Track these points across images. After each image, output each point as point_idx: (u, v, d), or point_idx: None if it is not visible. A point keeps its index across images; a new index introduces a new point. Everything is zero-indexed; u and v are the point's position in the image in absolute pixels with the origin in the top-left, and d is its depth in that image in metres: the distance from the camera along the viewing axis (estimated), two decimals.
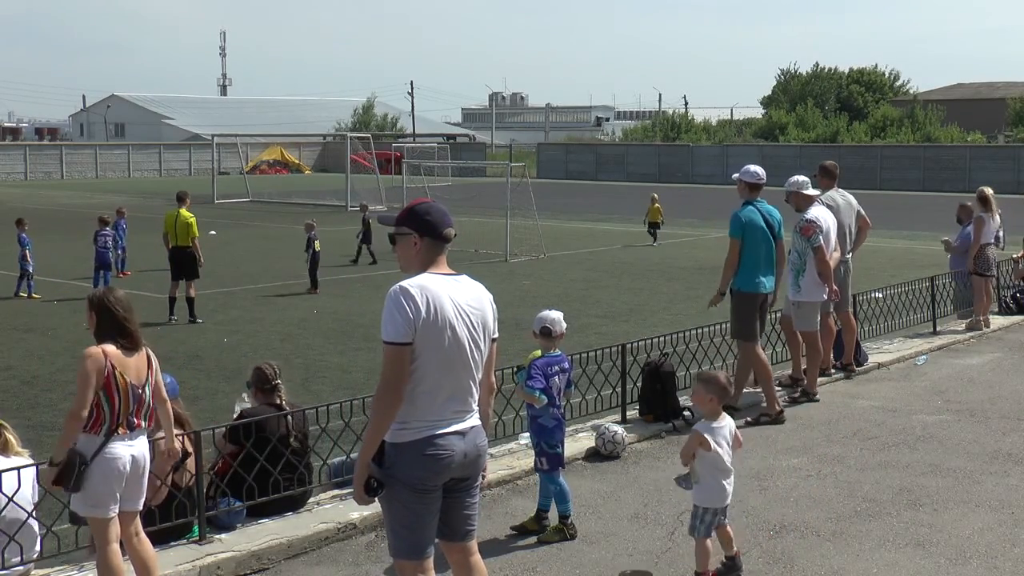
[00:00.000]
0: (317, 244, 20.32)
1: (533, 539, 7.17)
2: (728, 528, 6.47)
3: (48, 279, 20.94)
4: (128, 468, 5.80)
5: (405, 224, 4.89)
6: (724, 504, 6.39)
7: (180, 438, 6.66)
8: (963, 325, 14.67)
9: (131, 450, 5.83)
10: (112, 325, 5.86)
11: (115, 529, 5.85)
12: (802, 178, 10.90)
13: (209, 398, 11.70)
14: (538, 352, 7.42)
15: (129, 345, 5.87)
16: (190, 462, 6.92)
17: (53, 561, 6.57)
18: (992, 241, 14.66)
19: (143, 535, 6.07)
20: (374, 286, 20.08)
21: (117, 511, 5.83)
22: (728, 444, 6.39)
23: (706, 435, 6.28)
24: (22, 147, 75.24)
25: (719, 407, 6.40)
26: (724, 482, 6.34)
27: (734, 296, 10.23)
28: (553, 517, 7.28)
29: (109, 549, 5.81)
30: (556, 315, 7.35)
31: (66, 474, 5.67)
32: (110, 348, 5.80)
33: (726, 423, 6.43)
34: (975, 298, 14.63)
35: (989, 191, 14.91)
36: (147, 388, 5.93)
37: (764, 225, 10.10)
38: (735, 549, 6.46)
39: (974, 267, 14.55)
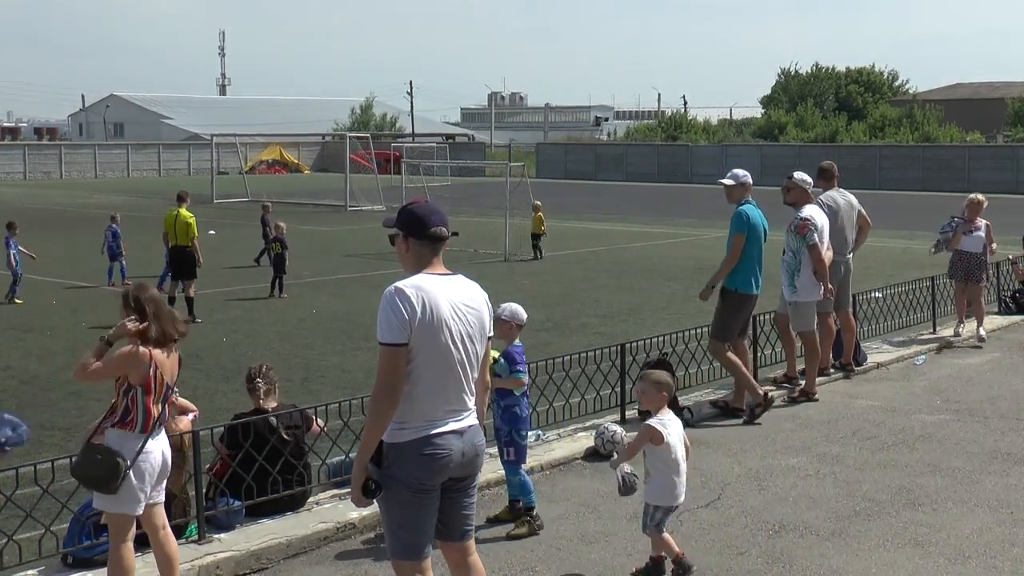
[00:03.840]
0: (275, 246, 19.84)
1: (532, 539, 7.15)
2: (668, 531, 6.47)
3: (48, 279, 20.93)
4: (158, 465, 5.88)
5: (395, 224, 4.93)
6: (675, 504, 6.41)
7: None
8: (963, 327, 14.60)
9: (160, 445, 5.91)
10: (158, 325, 5.87)
11: (133, 527, 5.89)
12: (807, 176, 10.90)
13: (208, 398, 11.68)
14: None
15: (166, 343, 5.91)
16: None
17: (53, 561, 6.58)
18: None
19: (169, 530, 6.12)
20: (373, 286, 20.03)
21: (143, 509, 5.86)
22: (680, 440, 6.42)
23: (659, 427, 6.32)
24: (21, 147, 75.17)
25: (665, 403, 6.52)
26: (676, 479, 6.34)
27: (728, 295, 10.18)
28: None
29: (124, 547, 5.85)
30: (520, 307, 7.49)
31: (110, 478, 5.66)
32: (157, 352, 5.85)
33: (676, 420, 6.51)
34: (975, 307, 14.04)
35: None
36: (175, 387, 6.06)
37: (761, 225, 10.11)
38: (677, 550, 6.41)
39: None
